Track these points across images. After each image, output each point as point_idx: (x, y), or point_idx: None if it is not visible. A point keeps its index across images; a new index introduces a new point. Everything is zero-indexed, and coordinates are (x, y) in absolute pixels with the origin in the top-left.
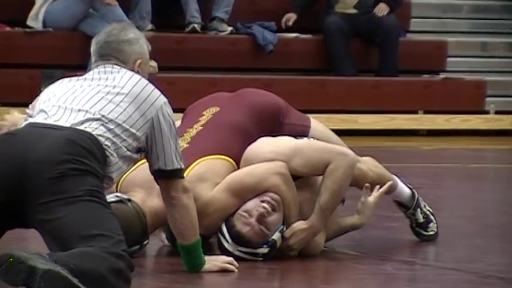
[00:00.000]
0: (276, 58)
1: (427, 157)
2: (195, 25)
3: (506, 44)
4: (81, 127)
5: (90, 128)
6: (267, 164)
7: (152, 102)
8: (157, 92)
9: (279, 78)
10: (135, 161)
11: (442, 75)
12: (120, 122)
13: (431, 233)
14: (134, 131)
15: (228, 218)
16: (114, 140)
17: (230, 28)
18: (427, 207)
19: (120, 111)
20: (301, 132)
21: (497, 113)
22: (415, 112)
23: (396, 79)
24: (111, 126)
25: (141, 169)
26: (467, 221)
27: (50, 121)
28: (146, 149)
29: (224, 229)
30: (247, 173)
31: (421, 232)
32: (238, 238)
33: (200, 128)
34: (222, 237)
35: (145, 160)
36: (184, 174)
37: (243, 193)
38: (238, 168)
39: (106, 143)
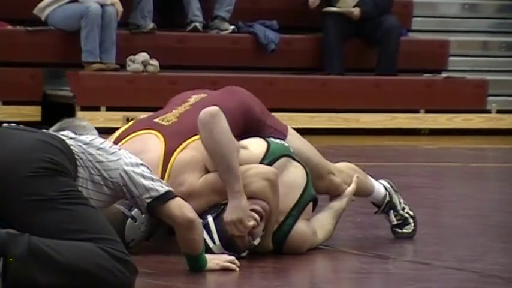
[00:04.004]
0: (278, 57)
1: (428, 156)
2: (197, 24)
3: (508, 44)
4: (54, 133)
5: (64, 137)
6: (258, 168)
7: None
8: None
9: (280, 77)
10: (110, 200)
11: (444, 75)
12: (94, 154)
13: (405, 231)
14: (106, 174)
15: (220, 215)
16: (87, 156)
17: (232, 27)
18: (406, 209)
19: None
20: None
21: (498, 112)
22: (417, 111)
23: (398, 78)
24: (85, 148)
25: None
26: (469, 220)
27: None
28: (125, 195)
29: (213, 228)
30: None
31: (396, 230)
32: (227, 244)
33: (189, 107)
34: (207, 236)
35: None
36: (174, 155)
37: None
38: None
39: (78, 154)
